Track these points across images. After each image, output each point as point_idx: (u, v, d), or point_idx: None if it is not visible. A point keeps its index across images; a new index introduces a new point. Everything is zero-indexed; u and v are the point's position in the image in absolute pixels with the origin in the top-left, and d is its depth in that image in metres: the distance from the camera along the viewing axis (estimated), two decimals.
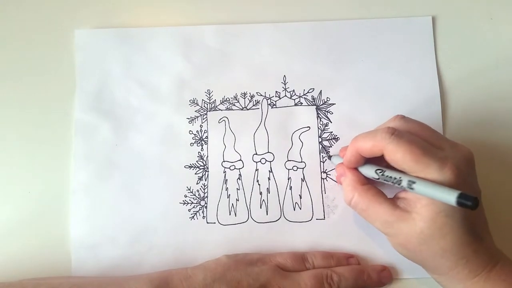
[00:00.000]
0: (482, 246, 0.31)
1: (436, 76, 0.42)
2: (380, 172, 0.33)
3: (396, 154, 0.31)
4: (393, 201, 0.33)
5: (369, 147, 0.32)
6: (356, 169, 0.36)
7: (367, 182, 0.35)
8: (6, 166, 0.41)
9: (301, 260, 0.37)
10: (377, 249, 0.38)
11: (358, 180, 0.35)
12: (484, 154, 0.40)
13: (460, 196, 0.28)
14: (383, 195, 0.34)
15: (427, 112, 0.41)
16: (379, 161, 0.34)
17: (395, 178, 0.32)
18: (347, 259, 0.38)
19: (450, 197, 0.28)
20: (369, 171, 0.34)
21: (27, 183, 0.40)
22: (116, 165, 0.40)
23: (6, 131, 0.41)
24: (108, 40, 0.43)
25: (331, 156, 0.39)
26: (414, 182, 0.30)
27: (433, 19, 0.43)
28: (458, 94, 0.42)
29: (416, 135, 0.32)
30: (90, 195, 0.40)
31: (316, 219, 0.39)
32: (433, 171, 0.30)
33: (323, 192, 0.40)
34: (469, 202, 0.27)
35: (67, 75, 0.42)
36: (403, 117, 0.34)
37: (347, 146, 0.36)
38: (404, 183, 0.31)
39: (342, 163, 0.37)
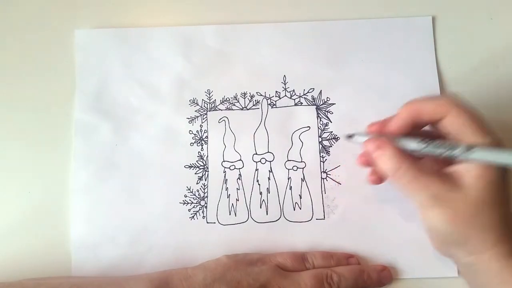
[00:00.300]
0: None
1: (436, 76, 0.42)
2: (427, 142, 0.32)
3: (461, 117, 0.31)
4: (442, 173, 0.32)
5: (432, 108, 0.32)
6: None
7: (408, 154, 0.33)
8: (6, 166, 0.41)
9: (301, 260, 0.37)
10: (377, 249, 0.38)
11: (401, 151, 0.32)
12: None
13: None
14: (431, 167, 0.33)
15: None
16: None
17: (449, 145, 0.31)
18: (347, 259, 0.38)
19: None
20: (413, 142, 0.32)
21: (27, 183, 0.40)
22: (116, 165, 0.40)
23: (6, 131, 0.41)
24: (108, 40, 0.43)
25: (353, 134, 0.36)
26: (472, 148, 0.30)
27: (433, 19, 0.43)
28: (458, 93, 0.42)
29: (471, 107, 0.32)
30: (90, 195, 0.40)
31: (316, 219, 0.39)
32: (491, 139, 0.30)
33: (323, 192, 0.40)
34: None
35: (67, 75, 0.42)
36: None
37: (377, 121, 0.35)
38: (461, 148, 0.30)
39: (375, 138, 0.34)
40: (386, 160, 0.33)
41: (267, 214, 0.39)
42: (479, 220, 0.30)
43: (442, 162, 0.33)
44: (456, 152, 0.31)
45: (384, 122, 0.34)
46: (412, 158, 0.32)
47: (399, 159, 0.32)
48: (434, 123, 0.33)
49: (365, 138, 0.34)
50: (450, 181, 0.31)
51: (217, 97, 0.42)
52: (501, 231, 0.30)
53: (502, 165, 0.30)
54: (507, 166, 0.30)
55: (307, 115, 0.41)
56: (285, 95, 0.42)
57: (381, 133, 0.34)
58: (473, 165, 0.30)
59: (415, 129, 0.34)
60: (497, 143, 0.30)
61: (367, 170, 0.36)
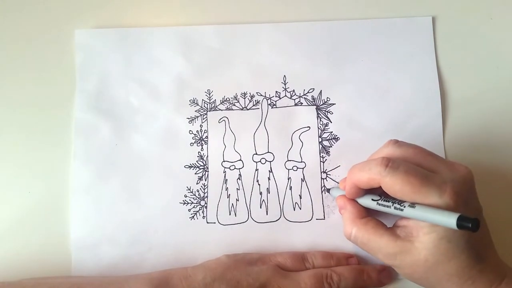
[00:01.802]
0: (487, 265, 0.31)
1: (436, 76, 0.42)
2: (379, 200, 0.33)
3: (394, 186, 0.30)
4: (394, 231, 0.32)
5: (366, 180, 0.32)
6: (355, 201, 0.35)
7: (367, 214, 0.34)
8: (6, 166, 0.41)
9: (301, 260, 0.37)
10: None
11: (357, 213, 0.34)
12: (485, 153, 0.40)
13: (460, 219, 0.28)
14: (383, 226, 0.33)
15: (427, 112, 0.41)
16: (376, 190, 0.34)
17: (397, 204, 0.31)
18: (347, 259, 0.38)
19: (451, 220, 0.28)
20: (367, 201, 0.34)
21: (27, 183, 0.40)
22: (116, 165, 0.40)
23: (6, 131, 0.41)
24: (108, 40, 0.43)
25: (330, 189, 0.39)
26: (414, 206, 0.30)
27: (433, 19, 0.43)
28: (458, 94, 0.42)
29: (412, 161, 0.31)
30: (90, 195, 0.40)
31: (316, 219, 0.39)
32: (433, 199, 0.29)
33: (323, 192, 0.40)
34: (469, 224, 0.27)
35: (67, 75, 0.42)
36: (396, 142, 0.33)
37: (345, 178, 0.35)
38: (406, 207, 0.30)
39: (341, 195, 0.36)
40: (344, 221, 0.35)
41: (267, 214, 0.39)
42: (434, 275, 0.31)
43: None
44: (402, 209, 0.31)
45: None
46: (369, 217, 0.34)
47: (351, 221, 0.34)
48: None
49: (340, 192, 0.37)
50: (403, 239, 0.31)
51: (217, 97, 0.42)
52: (464, 278, 0.30)
53: (440, 224, 0.29)
54: (446, 226, 0.29)
55: (307, 115, 0.41)
56: (285, 95, 0.42)
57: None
58: (423, 222, 0.30)
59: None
60: (443, 200, 0.29)
61: None
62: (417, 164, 0.31)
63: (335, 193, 0.38)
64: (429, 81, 0.42)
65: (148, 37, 0.43)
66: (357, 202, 0.35)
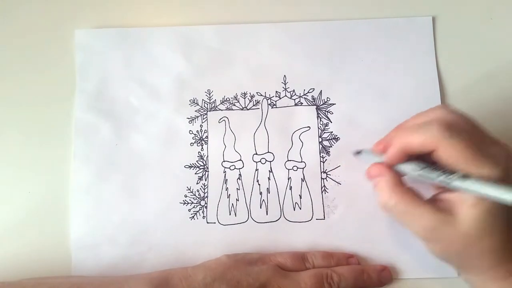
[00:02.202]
0: None
1: (436, 76, 0.42)
2: (427, 169, 0.32)
3: (452, 151, 0.29)
4: (434, 204, 0.31)
5: (420, 143, 0.31)
6: (392, 169, 0.33)
7: (405, 184, 0.33)
8: (6, 166, 0.41)
9: (301, 260, 0.37)
10: (377, 249, 0.38)
11: (396, 181, 0.33)
12: None
13: None
14: (422, 198, 0.32)
15: None
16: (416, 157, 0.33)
17: (443, 172, 0.30)
18: (347, 259, 0.38)
19: (507, 194, 0.28)
20: (412, 169, 0.32)
21: (27, 183, 0.40)
22: (116, 165, 0.40)
23: (6, 131, 0.41)
24: (108, 40, 0.43)
25: (361, 151, 0.37)
26: (467, 178, 0.29)
27: (433, 19, 0.43)
28: (458, 94, 0.42)
29: (467, 131, 0.31)
30: (90, 195, 0.40)
31: (316, 219, 0.39)
32: (486, 170, 0.29)
33: (323, 192, 0.40)
34: None
35: (67, 75, 0.42)
36: (446, 107, 0.32)
37: (384, 139, 0.34)
38: (456, 176, 0.30)
39: (376, 163, 0.34)
40: (380, 189, 0.33)
41: (267, 214, 0.39)
42: (473, 250, 0.30)
43: (441, 187, 0.32)
44: (451, 180, 0.30)
45: (388, 142, 0.34)
46: (406, 188, 0.32)
47: (390, 190, 0.32)
48: (427, 154, 0.31)
49: (371, 156, 0.35)
50: (444, 210, 0.31)
51: (217, 97, 0.42)
52: (497, 256, 0.30)
53: (493, 199, 0.29)
54: (499, 200, 0.29)
55: (307, 115, 0.41)
56: (285, 95, 0.42)
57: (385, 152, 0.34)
58: (468, 194, 0.30)
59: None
60: (497, 173, 0.29)
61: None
62: (472, 133, 0.31)
63: (367, 157, 0.36)
64: (429, 81, 0.42)
65: (148, 37, 0.43)
66: (394, 170, 0.33)
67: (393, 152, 0.33)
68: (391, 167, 0.33)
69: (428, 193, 0.34)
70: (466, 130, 0.31)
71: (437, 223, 0.30)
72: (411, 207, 0.31)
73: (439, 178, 0.31)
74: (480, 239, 0.30)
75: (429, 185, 0.32)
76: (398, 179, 0.33)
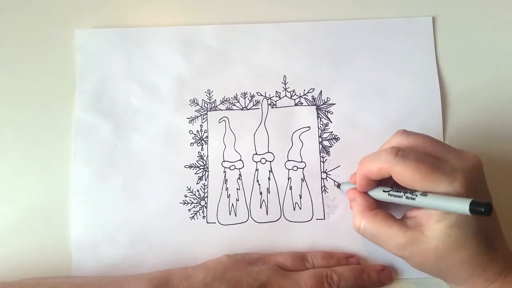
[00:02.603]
0: (497, 254, 0.31)
1: (436, 76, 0.42)
2: (390, 191, 0.33)
3: (405, 175, 0.30)
4: (403, 222, 0.32)
5: (376, 170, 0.32)
6: (365, 194, 0.35)
7: (377, 206, 0.35)
8: (6, 166, 0.41)
9: (301, 260, 0.37)
10: (377, 249, 0.38)
11: (367, 205, 0.34)
12: (485, 153, 0.40)
13: (472, 204, 0.28)
14: (392, 217, 0.33)
15: (427, 112, 0.41)
16: (386, 182, 0.34)
17: (409, 193, 0.31)
18: (347, 259, 0.38)
19: (463, 206, 0.28)
20: (379, 193, 0.34)
21: (27, 183, 0.40)
22: (116, 165, 0.40)
23: (6, 131, 0.41)
24: (108, 40, 0.43)
25: (340, 184, 0.39)
26: (426, 195, 0.30)
27: (433, 19, 0.43)
28: (458, 94, 0.42)
29: (421, 150, 0.32)
30: (90, 195, 0.40)
31: (316, 219, 0.39)
32: (443, 187, 0.30)
33: (323, 192, 0.40)
34: (482, 208, 0.27)
35: (67, 75, 0.42)
36: (405, 132, 0.33)
37: (356, 172, 0.36)
38: (418, 195, 0.30)
39: (352, 188, 0.36)
40: (353, 214, 0.35)
41: (267, 214, 0.39)
42: (446, 263, 0.31)
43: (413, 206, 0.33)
44: (413, 199, 0.31)
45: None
46: (379, 210, 0.34)
47: (361, 214, 0.34)
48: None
49: (350, 186, 0.37)
50: (413, 229, 0.31)
51: (217, 97, 0.42)
52: (472, 267, 0.31)
53: (453, 212, 0.29)
54: (458, 212, 0.29)
55: (307, 115, 0.41)
56: (285, 95, 0.42)
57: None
58: (434, 210, 0.30)
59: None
60: (455, 188, 0.29)
61: None
62: (427, 153, 0.31)
63: (346, 187, 0.38)
64: (429, 81, 0.42)
65: (148, 37, 0.43)
66: (367, 195, 0.35)
67: (358, 180, 0.35)
68: (364, 192, 0.35)
69: (401, 214, 0.34)
70: (419, 151, 0.32)
71: (408, 240, 0.31)
72: (382, 227, 0.33)
73: (404, 197, 0.32)
74: (451, 252, 0.30)
75: (405, 206, 0.33)
76: (369, 202, 0.35)
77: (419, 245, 0.31)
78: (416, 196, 0.31)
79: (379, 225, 0.33)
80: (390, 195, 0.33)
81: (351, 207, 0.37)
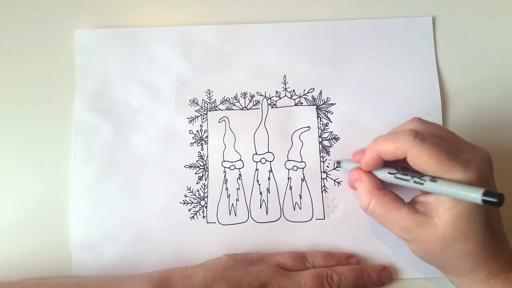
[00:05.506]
0: (501, 248, 0.31)
1: (436, 76, 0.42)
2: (397, 174, 0.33)
3: (421, 157, 0.30)
4: (412, 206, 0.32)
5: (392, 149, 0.32)
6: (371, 173, 0.35)
7: (385, 187, 0.34)
8: (6, 166, 0.41)
9: (301, 260, 0.37)
10: (377, 249, 0.38)
11: (375, 185, 0.34)
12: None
13: (485, 194, 0.27)
14: (401, 200, 0.33)
15: (427, 112, 0.41)
16: (394, 164, 0.34)
17: (417, 178, 0.31)
18: (347, 259, 0.38)
19: (476, 195, 0.28)
20: (384, 174, 0.34)
21: (27, 183, 0.40)
22: (116, 165, 0.40)
23: (6, 131, 0.41)
24: (108, 40, 0.43)
25: (340, 161, 0.39)
26: (435, 180, 0.30)
27: (433, 19, 0.43)
28: (458, 93, 0.42)
29: (438, 138, 0.32)
30: (90, 195, 0.40)
31: (316, 219, 0.39)
32: (457, 174, 0.30)
33: (323, 192, 0.40)
34: (495, 199, 0.27)
35: (67, 75, 0.42)
36: (420, 119, 0.34)
37: (361, 149, 0.35)
38: (427, 181, 0.30)
39: (356, 168, 0.36)
40: (360, 193, 0.35)
41: (267, 214, 0.39)
42: (451, 252, 0.31)
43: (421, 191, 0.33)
44: (422, 183, 0.31)
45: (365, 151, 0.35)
46: (387, 190, 0.34)
47: (369, 193, 0.34)
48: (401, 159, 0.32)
49: (351, 164, 0.37)
50: (422, 212, 0.31)
51: (217, 97, 0.42)
52: (477, 259, 0.31)
53: (462, 199, 0.29)
54: (470, 200, 0.29)
55: (307, 115, 0.41)
56: (285, 95, 0.42)
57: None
58: (445, 197, 0.30)
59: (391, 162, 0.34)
60: (468, 177, 0.29)
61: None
62: (443, 140, 0.31)
63: (347, 165, 0.37)
64: (429, 81, 0.42)
65: (148, 37, 0.43)
66: (373, 175, 0.35)
67: (368, 158, 0.34)
68: (369, 172, 0.35)
69: (408, 198, 0.34)
70: (438, 137, 0.32)
71: (415, 224, 0.31)
72: (389, 209, 0.32)
73: (411, 181, 0.32)
74: (457, 242, 0.30)
75: (411, 189, 0.33)
76: (377, 182, 0.34)
77: (427, 231, 0.31)
78: (425, 181, 0.30)
79: (388, 206, 0.32)
80: (397, 177, 0.33)
81: (351, 186, 0.37)
